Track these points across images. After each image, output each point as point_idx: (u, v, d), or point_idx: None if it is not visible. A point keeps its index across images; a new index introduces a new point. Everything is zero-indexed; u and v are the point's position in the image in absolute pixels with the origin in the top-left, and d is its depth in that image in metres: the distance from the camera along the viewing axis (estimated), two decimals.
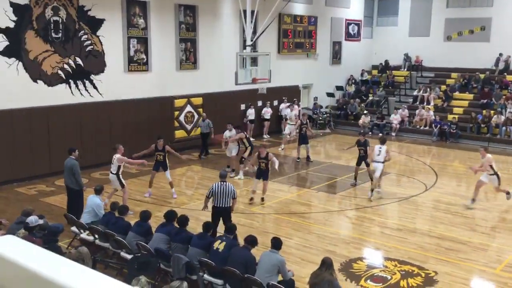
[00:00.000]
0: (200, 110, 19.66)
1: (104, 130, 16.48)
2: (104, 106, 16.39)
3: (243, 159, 15.26)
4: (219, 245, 7.87)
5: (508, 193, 12.76)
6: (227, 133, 15.96)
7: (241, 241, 8.32)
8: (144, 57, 17.52)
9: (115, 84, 16.68)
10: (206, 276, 7.79)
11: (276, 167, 12.96)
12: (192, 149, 18.86)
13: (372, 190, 13.38)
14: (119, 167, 12.04)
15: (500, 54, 24.73)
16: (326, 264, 6.82)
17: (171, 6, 18.26)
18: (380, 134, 22.76)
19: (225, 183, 9.90)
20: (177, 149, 18.55)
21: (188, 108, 19.29)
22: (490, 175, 12.66)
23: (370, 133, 23.26)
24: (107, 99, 16.51)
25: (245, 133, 16.10)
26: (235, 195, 9.94)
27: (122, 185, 12.03)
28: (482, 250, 10.16)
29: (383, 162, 13.35)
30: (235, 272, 7.32)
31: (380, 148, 13.45)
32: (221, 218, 9.87)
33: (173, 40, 18.47)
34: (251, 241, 7.77)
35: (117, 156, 12.08)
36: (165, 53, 18.23)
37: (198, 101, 19.60)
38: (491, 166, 12.57)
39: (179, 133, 19.03)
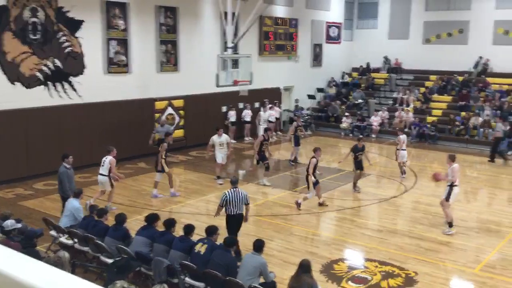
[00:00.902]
0: (181, 112, 19.59)
1: (83, 132, 16.29)
2: (83, 108, 16.21)
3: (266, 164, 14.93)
4: (200, 248, 7.83)
5: (450, 224, 11.19)
6: (215, 139, 14.98)
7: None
8: (124, 58, 17.38)
9: (95, 86, 16.50)
10: (187, 279, 7.74)
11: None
12: (173, 151, 18.73)
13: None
14: (110, 168, 12.05)
15: (480, 57, 25.15)
16: (304, 267, 6.78)
17: (151, 8, 18.15)
18: (361, 136, 22.97)
19: (237, 189, 9.60)
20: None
21: (169, 110, 19.19)
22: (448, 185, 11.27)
23: (350, 134, 23.45)
24: (87, 101, 16.32)
25: (264, 135, 15.40)
26: (248, 201, 9.65)
27: (112, 186, 12.16)
28: (461, 250, 10.30)
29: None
30: (216, 275, 7.28)
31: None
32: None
33: (153, 41, 18.36)
34: (231, 243, 7.73)
35: (109, 157, 12.07)
36: (145, 54, 18.11)
37: (179, 103, 19.51)
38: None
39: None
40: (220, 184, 14.80)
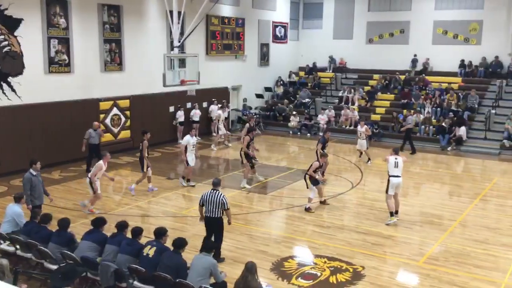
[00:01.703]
0: (127, 112, 19.20)
1: (23, 135, 15.67)
2: (23, 110, 15.60)
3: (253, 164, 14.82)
4: (149, 251, 7.70)
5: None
6: (190, 139, 14.48)
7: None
8: (66, 58, 16.85)
9: (35, 86, 15.91)
10: (136, 283, 7.59)
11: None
12: (120, 153, 18.37)
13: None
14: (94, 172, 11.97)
15: (415, 55, 26.09)
16: (249, 269, 6.75)
17: (94, 6, 17.69)
18: (308, 134, 23.31)
19: (215, 191, 9.24)
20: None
21: (115, 110, 18.76)
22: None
23: (298, 133, 23.75)
24: (27, 102, 15.71)
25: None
26: (226, 206, 9.19)
27: (94, 190, 12.02)
28: (406, 243, 10.63)
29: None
30: (166, 278, 7.19)
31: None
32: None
33: (96, 40, 17.90)
34: (180, 244, 7.63)
35: (99, 162, 12.02)
36: (88, 54, 17.63)
37: (125, 103, 19.12)
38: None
39: (105, 137, 18.42)
40: (192, 185, 14.57)
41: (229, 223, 9.61)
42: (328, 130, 13.93)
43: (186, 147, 14.45)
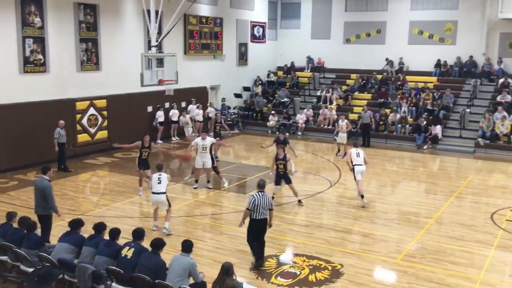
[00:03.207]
0: (104, 112, 18.99)
1: None
2: None
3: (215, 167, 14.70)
4: (127, 252, 7.63)
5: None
6: (199, 141, 14.13)
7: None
8: (42, 57, 16.60)
9: (9, 86, 15.65)
10: (114, 284, 7.52)
11: (293, 170, 13.24)
12: (96, 153, 18.18)
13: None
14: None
15: (386, 59, 26.34)
16: (226, 269, 6.76)
17: (70, 5, 17.46)
18: (287, 134, 23.37)
19: (264, 193, 9.24)
20: (80, 154, 17.92)
21: (91, 111, 18.54)
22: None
23: (277, 132, 23.80)
24: (1, 102, 15.45)
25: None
26: (272, 206, 9.38)
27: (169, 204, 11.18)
28: (383, 241, 10.75)
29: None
30: (144, 279, 7.14)
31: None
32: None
33: (72, 39, 17.67)
34: (157, 245, 7.58)
35: (164, 175, 11.02)
36: (64, 53, 17.40)
37: (102, 103, 18.90)
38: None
39: (82, 137, 18.24)
40: (195, 188, 14.35)
41: (270, 225, 9.55)
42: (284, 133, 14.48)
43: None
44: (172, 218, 11.31)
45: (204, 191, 14.36)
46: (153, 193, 10.84)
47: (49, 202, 9.46)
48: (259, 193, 9.25)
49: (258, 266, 9.28)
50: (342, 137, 18.85)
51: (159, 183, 10.73)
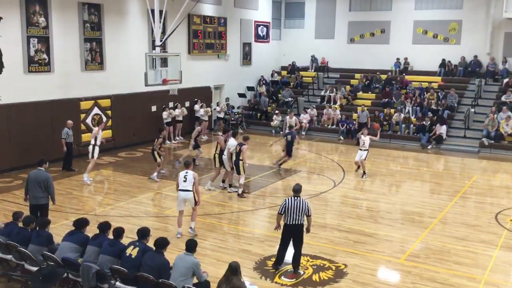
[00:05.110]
0: (109, 112, 19.03)
1: (2, 135, 15.46)
2: (2, 110, 15.38)
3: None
4: (131, 251, 7.64)
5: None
6: (231, 142, 14.02)
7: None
8: (46, 57, 16.64)
9: (14, 86, 15.69)
10: (118, 283, 7.54)
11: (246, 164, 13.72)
12: (101, 153, 18.18)
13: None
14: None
15: (397, 59, 26.34)
16: (234, 269, 6.73)
17: (74, 5, 17.50)
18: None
19: (299, 198, 8.97)
20: (84, 153, 17.93)
21: (96, 110, 18.58)
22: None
23: (281, 132, 23.78)
24: (6, 101, 15.48)
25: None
26: (310, 212, 9.01)
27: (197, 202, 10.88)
28: (387, 241, 10.74)
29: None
30: (148, 278, 7.15)
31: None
32: (292, 238, 9.11)
33: (77, 39, 17.71)
34: (161, 244, 7.58)
35: (190, 172, 10.73)
36: (68, 53, 17.44)
37: (106, 103, 18.95)
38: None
39: (86, 137, 18.25)
40: (234, 191, 14.01)
41: (308, 230, 9.26)
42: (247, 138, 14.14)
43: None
44: (176, 218, 11.31)
45: (207, 190, 14.37)
46: (180, 190, 10.69)
47: (50, 192, 10.09)
48: (293, 197, 9.00)
49: (275, 267, 9.25)
50: (362, 155, 16.08)
51: (185, 180, 10.57)
